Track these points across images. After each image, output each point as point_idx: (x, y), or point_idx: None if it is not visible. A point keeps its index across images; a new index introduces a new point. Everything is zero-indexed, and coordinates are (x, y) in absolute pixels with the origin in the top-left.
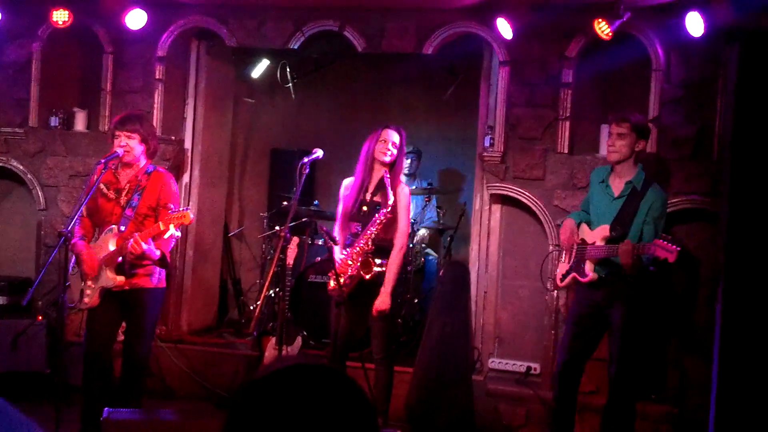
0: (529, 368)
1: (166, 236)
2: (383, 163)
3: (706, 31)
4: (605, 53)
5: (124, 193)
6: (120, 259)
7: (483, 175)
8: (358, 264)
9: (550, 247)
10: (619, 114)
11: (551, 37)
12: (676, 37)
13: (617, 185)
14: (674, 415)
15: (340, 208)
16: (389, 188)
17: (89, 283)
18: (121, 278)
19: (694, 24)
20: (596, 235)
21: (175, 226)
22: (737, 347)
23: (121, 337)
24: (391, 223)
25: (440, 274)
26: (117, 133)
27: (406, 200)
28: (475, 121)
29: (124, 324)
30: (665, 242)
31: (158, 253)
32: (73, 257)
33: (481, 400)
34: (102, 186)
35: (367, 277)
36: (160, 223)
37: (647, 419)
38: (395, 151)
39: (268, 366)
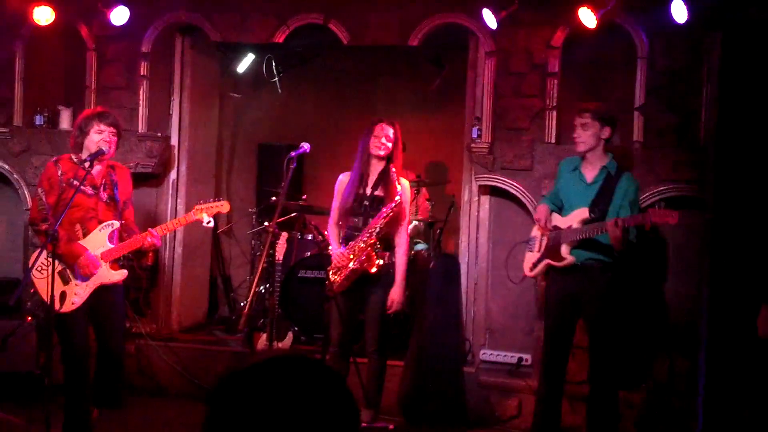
0: (520, 359)
1: (204, 224)
2: (379, 157)
3: (689, 19)
4: (591, 42)
5: (102, 188)
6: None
7: (471, 167)
8: (363, 257)
9: (519, 243)
10: (579, 105)
11: (536, 26)
12: (661, 25)
13: (590, 172)
14: (663, 403)
15: (335, 203)
16: (396, 183)
17: (77, 282)
18: (124, 272)
19: (678, 11)
20: (572, 219)
21: (209, 215)
22: (725, 334)
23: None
24: (396, 217)
25: (431, 266)
26: (102, 128)
27: (408, 195)
28: (462, 112)
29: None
30: (660, 209)
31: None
32: (40, 259)
33: (472, 392)
34: (76, 182)
35: (373, 270)
36: (192, 213)
37: (635, 408)
38: (389, 145)
39: (249, 359)
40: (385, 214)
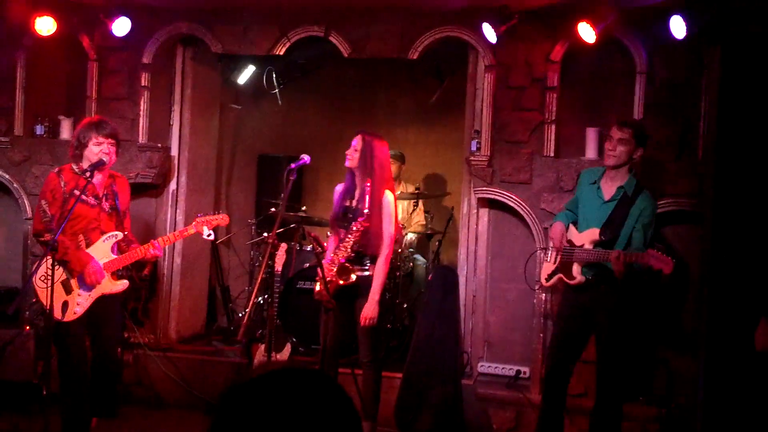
0: (518, 372)
1: (204, 237)
2: (354, 169)
3: (688, 34)
4: (590, 56)
5: (104, 198)
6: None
7: (470, 179)
8: (334, 270)
9: (538, 250)
10: (623, 118)
11: (536, 40)
12: (659, 39)
13: (608, 188)
14: (662, 415)
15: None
16: (367, 196)
17: (80, 292)
18: (125, 282)
19: (677, 27)
20: (585, 238)
21: (209, 228)
22: (724, 348)
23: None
24: (372, 231)
25: (429, 278)
26: (101, 140)
27: (388, 208)
28: (462, 124)
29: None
30: (659, 253)
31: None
32: (41, 268)
33: (470, 404)
34: (77, 192)
35: (342, 282)
36: (193, 225)
37: (635, 420)
38: (354, 154)
39: (253, 371)
40: (355, 228)
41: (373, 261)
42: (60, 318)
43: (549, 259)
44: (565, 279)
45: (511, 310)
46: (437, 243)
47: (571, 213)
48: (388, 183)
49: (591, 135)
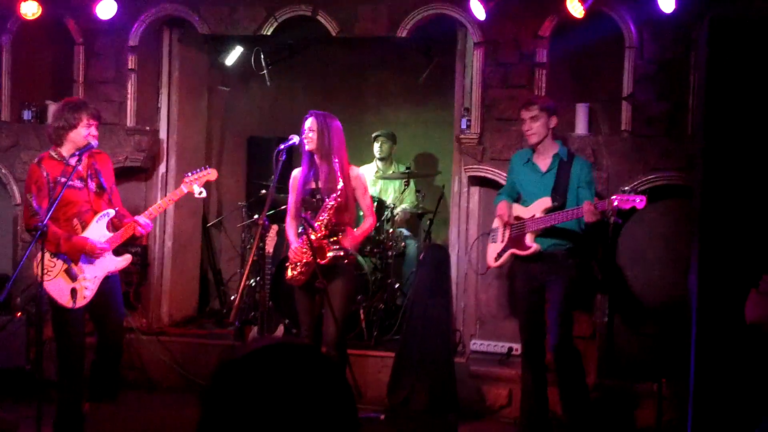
0: (510, 349)
1: (197, 195)
2: (313, 151)
3: (677, 8)
4: (578, 32)
5: (88, 179)
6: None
7: (461, 158)
8: (315, 249)
9: (480, 235)
10: (524, 101)
11: (525, 16)
12: (648, 14)
13: (543, 161)
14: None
15: (291, 199)
16: (338, 174)
17: (85, 276)
18: (128, 257)
19: (665, 1)
20: (535, 209)
21: (200, 185)
22: (714, 320)
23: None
24: (345, 207)
25: (420, 257)
26: (91, 122)
27: (360, 182)
28: (452, 103)
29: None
30: (625, 194)
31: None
32: (40, 256)
33: (463, 382)
34: (63, 179)
35: (323, 261)
36: (183, 186)
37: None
38: (312, 135)
39: (246, 346)
40: (329, 206)
41: (336, 238)
42: (72, 305)
43: (497, 239)
44: (518, 252)
45: (502, 288)
46: (429, 222)
47: (508, 197)
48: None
49: (581, 110)
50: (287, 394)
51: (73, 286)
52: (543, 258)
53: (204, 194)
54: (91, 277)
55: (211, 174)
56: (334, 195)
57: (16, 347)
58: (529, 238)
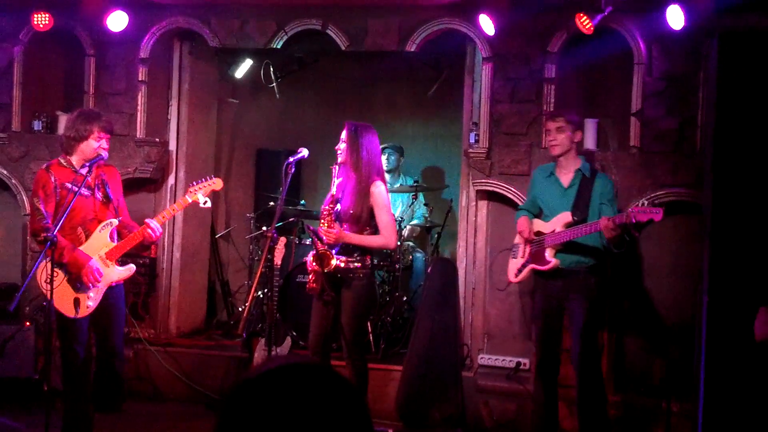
0: (518, 363)
1: (202, 205)
2: (345, 163)
3: (686, 25)
4: (587, 47)
5: (96, 189)
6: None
7: (469, 172)
8: (321, 259)
9: (501, 251)
10: (550, 111)
11: (534, 32)
12: (657, 30)
13: (565, 176)
14: (661, 407)
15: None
16: (357, 188)
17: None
18: (131, 267)
19: (675, 17)
20: (555, 224)
21: (205, 195)
22: (723, 337)
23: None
24: (357, 221)
25: (428, 271)
26: (102, 135)
27: (381, 198)
28: (460, 117)
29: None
30: (642, 207)
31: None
32: (43, 266)
33: (471, 396)
34: (70, 186)
35: (325, 270)
36: (188, 195)
37: (634, 410)
38: (342, 147)
39: (261, 365)
40: (342, 218)
41: (363, 253)
42: (75, 315)
43: (517, 255)
44: (537, 267)
45: (510, 303)
46: (436, 236)
47: (529, 212)
48: (379, 173)
49: (589, 126)
50: (303, 415)
51: (76, 296)
52: (563, 275)
53: (209, 204)
54: (93, 287)
55: (216, 183)
56: (347, 208)
57: (25, 357)
58: (549, 253)
